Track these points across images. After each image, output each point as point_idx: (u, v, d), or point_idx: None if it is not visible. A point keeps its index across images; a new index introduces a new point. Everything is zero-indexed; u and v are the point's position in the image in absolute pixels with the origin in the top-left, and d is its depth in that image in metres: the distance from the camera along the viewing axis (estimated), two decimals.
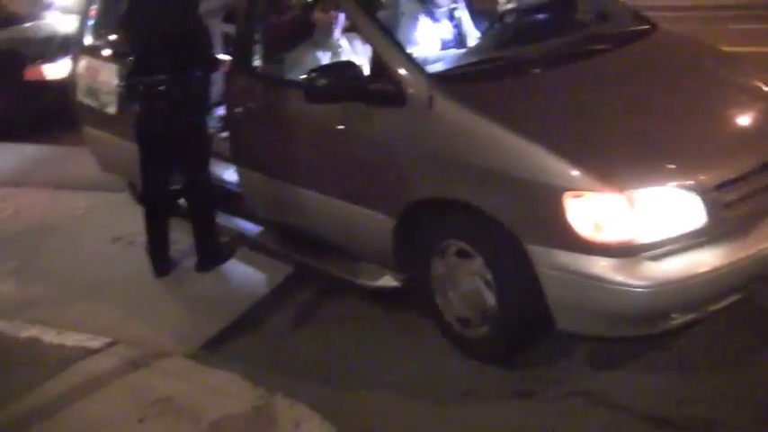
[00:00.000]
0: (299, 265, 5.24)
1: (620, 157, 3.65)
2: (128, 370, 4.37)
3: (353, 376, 4.27)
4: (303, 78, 4.36)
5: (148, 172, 5.33)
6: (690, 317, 3.73)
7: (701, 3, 16.39)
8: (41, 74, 9.87)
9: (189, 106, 5.13)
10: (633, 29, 5.05)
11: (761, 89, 4.51)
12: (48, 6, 12.57)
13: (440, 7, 5.36)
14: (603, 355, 4.21)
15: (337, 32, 5.21)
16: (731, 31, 13.17)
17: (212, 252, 5.48)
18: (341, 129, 4.43)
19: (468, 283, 4.11)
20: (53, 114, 9.07)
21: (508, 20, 5.37)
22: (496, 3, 6.19)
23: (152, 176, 5.35)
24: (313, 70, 4.32)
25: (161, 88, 5.02)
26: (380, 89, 4.17)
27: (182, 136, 5.15)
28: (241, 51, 5.16)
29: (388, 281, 4.55)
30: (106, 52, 6.12)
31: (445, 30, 5.39)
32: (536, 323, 3.93)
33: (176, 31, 5.03)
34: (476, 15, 5.84)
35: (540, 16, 5.53)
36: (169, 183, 5.46)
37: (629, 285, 3.51)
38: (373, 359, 4.39)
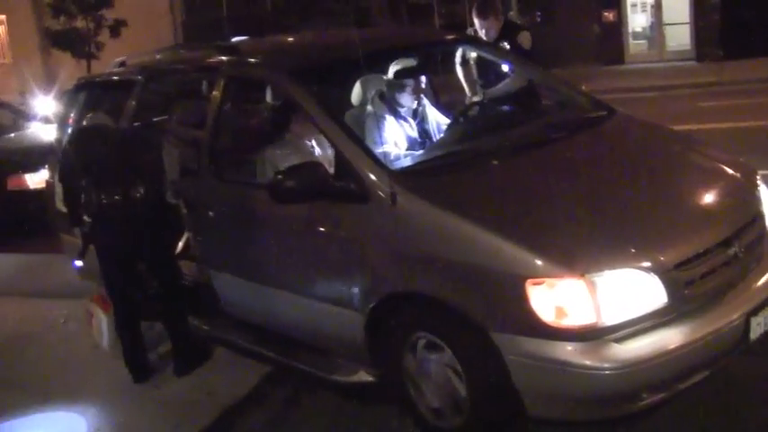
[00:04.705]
0: (274, 364, 5.25)
1: (579, 243, 3.74)
2: None
3: None
4: (269, 180, 4.46)
5: (111, 282, 5.39)
6: (659, 396, 3.77)
7: (673, 82, 16.82)
8: (24, 183, 9.97)
9: (148, 218, 5.19)
10: (590, 115, 5.20)
11: (714, 166, 4.66)
12: (31, 117, 12.80)
13: (405, 106, 5.50)
14: None
15: (307, 135, 5.33)
16: (701, 109, 13.51)
17: (190, 354, 5.50)
18: (309, 228, 4.51)
19: (438, 374, 4.13)
20: (35, 223, 9.14)
21: (471, 113, 5.53)
22: (463, 98, 6.40)
23: (116, 286, 5.40)
24: (278, 172, 4.42)
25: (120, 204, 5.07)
26: (344, 188, 4.27)
27: (146, 244, 5.24)
28: (211, 155, 5.27)
29: (363, 376, 4.55)
30: None
31: (412, 127, 5.53)
32: (508, 411, 3.94)
33: (131, 165, 5.16)
34: (442, 111, 5.99)
35: (502, 108, 5.70)
36: (135, 290, 5.51)
37: (596, 368, 3.57)
38: None
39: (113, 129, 5.49)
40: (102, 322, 5.75)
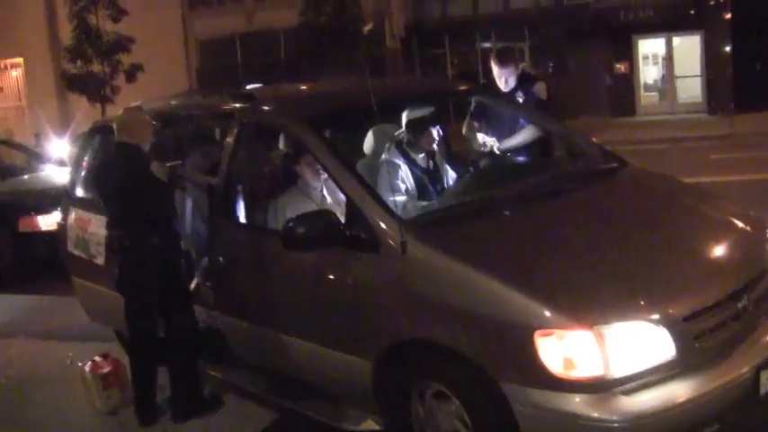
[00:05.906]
0: (284, 410, 5.24)
1: (588, 294, 3.75)
2: None
3: None
4: (281, 227, 4.49)
5: (134, 321, 5.40)
6: None
7: (685, 134, 16.87)
8: (36, 225, 10.03)
9: (163, 255, 5.26)
10: (602, 167, 5.23)
11: (723, 220, 4.67)
12: (46, 159, 12.92)
13: (420, 155, 5.54)
14: None
15: (319, 182, 5.37)
16: (713, 161, 13.53)
17: (191, 400, 5.46)
18: (319, 275, 4.54)
19: (447, 424, 4.12)
20: (47, 264, 9.17)
21: (482, 164, 5.57)
22: (474, 148, 6.41)
23: (139, 325, 5.41)
24: (290, 220, 4.45)
25: (128, 242, 5.22)
26: (355, 236, 4.29)
27: (161, 284, 5.28)
28: (224, 201, 5.31)
29: (371, 425, 4.55)
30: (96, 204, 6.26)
31: (425, 176, 5.57)
32: None
33: (132, 190, 5.24)
34: (453, 161, 6.03)
35: (513, 159, 5.73)
36: (156, 331, 5.52)
37: (604, 421, 3.55)
38: None
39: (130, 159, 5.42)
40: (92, 384, 5.76)
